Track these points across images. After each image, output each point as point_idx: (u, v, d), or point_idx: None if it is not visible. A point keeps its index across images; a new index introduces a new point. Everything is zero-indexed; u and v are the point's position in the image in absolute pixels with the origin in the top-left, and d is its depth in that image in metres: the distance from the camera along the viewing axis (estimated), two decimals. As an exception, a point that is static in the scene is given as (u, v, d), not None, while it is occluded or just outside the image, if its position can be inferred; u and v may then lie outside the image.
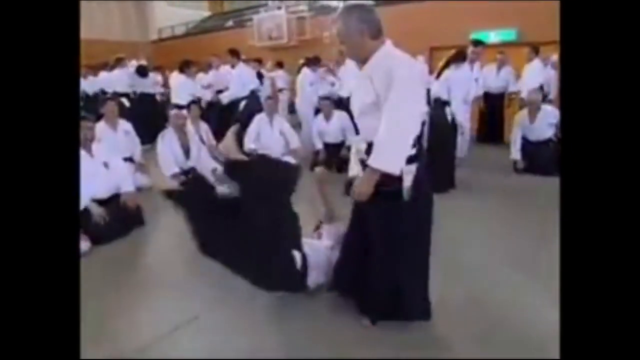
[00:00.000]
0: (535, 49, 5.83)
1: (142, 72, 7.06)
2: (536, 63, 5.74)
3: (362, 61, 1.73)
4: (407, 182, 1.69)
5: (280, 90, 7.42)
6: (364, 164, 1.74)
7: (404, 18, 8.02)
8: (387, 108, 1.61)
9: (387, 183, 1.67)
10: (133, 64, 7.30)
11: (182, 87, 5.75)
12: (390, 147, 1.62)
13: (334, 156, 4.98)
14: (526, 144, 4.60)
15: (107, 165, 3.13)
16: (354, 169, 2.49)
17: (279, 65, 8.13)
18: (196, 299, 2.22)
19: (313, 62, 5.99)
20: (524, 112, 4.63)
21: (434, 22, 7.98)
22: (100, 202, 3.01)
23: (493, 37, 7.24)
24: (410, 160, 1.67)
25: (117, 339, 1.92)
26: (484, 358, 1.74)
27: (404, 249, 1.79)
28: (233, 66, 5.91)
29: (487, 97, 6.22)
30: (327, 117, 5.07)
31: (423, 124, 1.80)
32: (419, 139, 1.72)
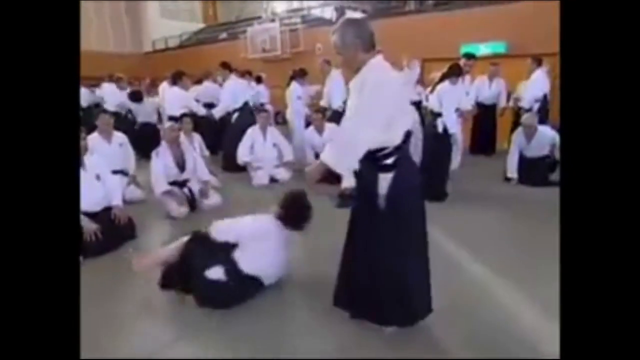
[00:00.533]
0: (537, 60, 5.86)
1: (136, 97, 6.79)
2: (539, 73, 5.78)
3: (355, 72, 1.83)
4: (382, 189, 1.77)
5: (262, 104, 7.32)
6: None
7: (397, 31, 8.13)
8: (349, 109, 1.81)
9: (361, 186, 1.86)
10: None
11: (175, 99, 5.71)
12: (339, 145, 1.75)
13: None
14: (522, 160, 4.66)
15: (99, 177, 3.11)
16: (348, 180, 2.50)
17: (258, 79, 7.99)
18: (182, 318, 2.17)
19: (300, 74, 6.02)
20: (521, 130, 4.68)
21: (426, 34, 8.10)
22: (92, 215, 2.97)
23: (483, 49, 7.36)
24: (386, 168, 1.77)
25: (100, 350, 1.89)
26: (484, 358, 1.76)
27: (395, 255, 1.82)
28: (224, 79, 5.93)
29: (480, 108, 6.30)
30: (319, 130, 5.02)
31: (408, 134, 1.83)
32: (397, 148, 1.78)
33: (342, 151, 1.73)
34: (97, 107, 6.82)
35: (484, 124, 6.44)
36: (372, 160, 1.77)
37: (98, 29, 13.87)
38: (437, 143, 4.11)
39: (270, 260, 2.25)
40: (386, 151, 1.77)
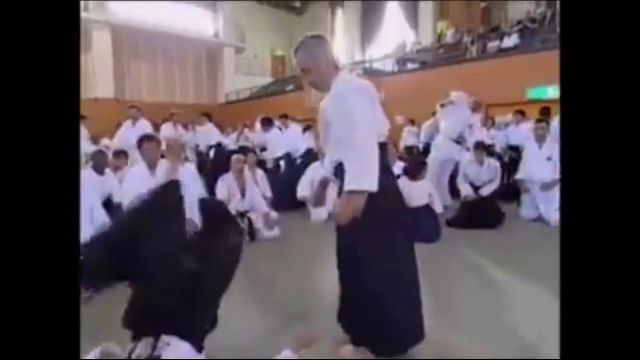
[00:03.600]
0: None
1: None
2: None
3: (326, 90, 1.72)
4: None
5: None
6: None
7: (460, 78, 8.18)
8: (339, 131, 1.64)
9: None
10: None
11: (281, 141, 6.26)
12: (362, 164, 1.53)
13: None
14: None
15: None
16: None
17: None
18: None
19: None
20: None
21: (489, 80, 8.04)
22: None
23: (551, 92, 7.10)
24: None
25: None
26: (484, 358, 1.74)
27: (376, 278, 1.64)
28: (280, 128, 6.45)
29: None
30: None
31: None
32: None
33: (367, 168, 1.51)
34: (219, 147, 7.13)
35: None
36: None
37: (181, 84, 15.58)
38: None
39: None
40: None
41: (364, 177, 1.51)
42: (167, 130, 7.02)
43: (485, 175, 4.48)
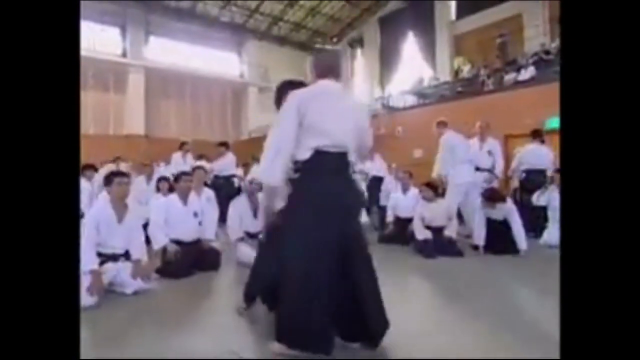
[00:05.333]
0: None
1: None
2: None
3: None
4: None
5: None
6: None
7: (477, 110, 8.24)
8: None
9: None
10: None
11: None
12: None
13: (404, 230, 4.95)
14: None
15: (197, 214, 3.74)
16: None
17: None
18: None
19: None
20: None
21: (508, 111, 8.06)
22: (184, 244, 3.62)
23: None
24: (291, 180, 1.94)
25: None
26: (485, 358, 1.73)
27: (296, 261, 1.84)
28: None
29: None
30: (405, 190, 5.22)
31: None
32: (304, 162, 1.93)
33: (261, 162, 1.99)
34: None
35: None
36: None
37: (207, 121, 16.26)
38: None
39: None
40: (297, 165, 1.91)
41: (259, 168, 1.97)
42: (176, 159, 7.47)
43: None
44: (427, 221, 4.44)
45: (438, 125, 5.27)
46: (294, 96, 1.91)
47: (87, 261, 2.71)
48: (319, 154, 1.86)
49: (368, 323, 1.88)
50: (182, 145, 7.60)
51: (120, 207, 3.03)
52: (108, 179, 3.10)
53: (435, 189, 4.54)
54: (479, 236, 4.26)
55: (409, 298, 2.92)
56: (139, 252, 3.13)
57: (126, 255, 3.08)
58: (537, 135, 5.77)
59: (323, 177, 1.88)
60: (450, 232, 4.33)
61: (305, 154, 1.87)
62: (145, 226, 3.57)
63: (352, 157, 1.99)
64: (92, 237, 2.82)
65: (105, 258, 2.93)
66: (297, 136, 1.87)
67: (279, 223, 1.99)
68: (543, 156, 5.51)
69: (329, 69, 2.03)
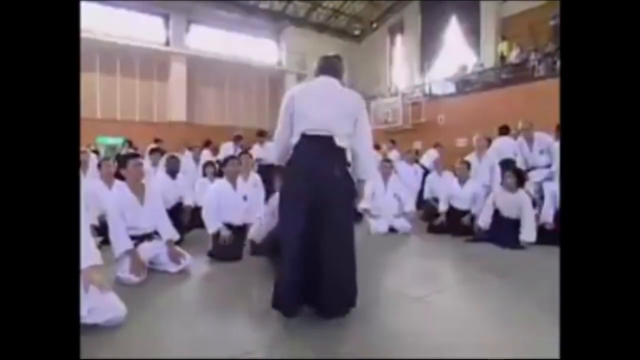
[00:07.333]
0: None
1: None
2: None
3: None
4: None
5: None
6: None
7: (529, 97, 7.84)
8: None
9: None
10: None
11: None
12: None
13: (457, 222, 4.82)
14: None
15: (246, 198, 3.81)
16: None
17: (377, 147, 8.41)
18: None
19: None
20: None
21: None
22: (235, 227, 3.71)
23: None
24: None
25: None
26: (484, 358, 1.75)
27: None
28: None
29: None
30: (462, 182, 5.00)
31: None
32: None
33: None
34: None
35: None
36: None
37: (245, 109, 16.47)
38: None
39: None
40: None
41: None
42: (227, 149, 7.57)
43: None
44: (501, 210, 4.32)
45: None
46: (288, 91, 2.26)
47: (121, 244, 2.85)
48: (305, 137, 2.13)
49: (322, 291, 2.04)
50: (237, 139, 7.64)
51: (138, 188, 3.09)
52: (122, 162, 3.15)
53: (521, 179, 4.29)
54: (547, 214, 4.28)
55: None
56: (167, 231, 3.19)
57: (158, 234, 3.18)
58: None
59: (307, 155, 2.12)
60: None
61: (296, 139, 2.17)
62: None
63: (342, 142, 2.14)
64: (119, 223, 2.90)
65: (138, 240, 3.03)
66: (291, 125, 2.20)
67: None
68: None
69: (328, 69, 2.30)
